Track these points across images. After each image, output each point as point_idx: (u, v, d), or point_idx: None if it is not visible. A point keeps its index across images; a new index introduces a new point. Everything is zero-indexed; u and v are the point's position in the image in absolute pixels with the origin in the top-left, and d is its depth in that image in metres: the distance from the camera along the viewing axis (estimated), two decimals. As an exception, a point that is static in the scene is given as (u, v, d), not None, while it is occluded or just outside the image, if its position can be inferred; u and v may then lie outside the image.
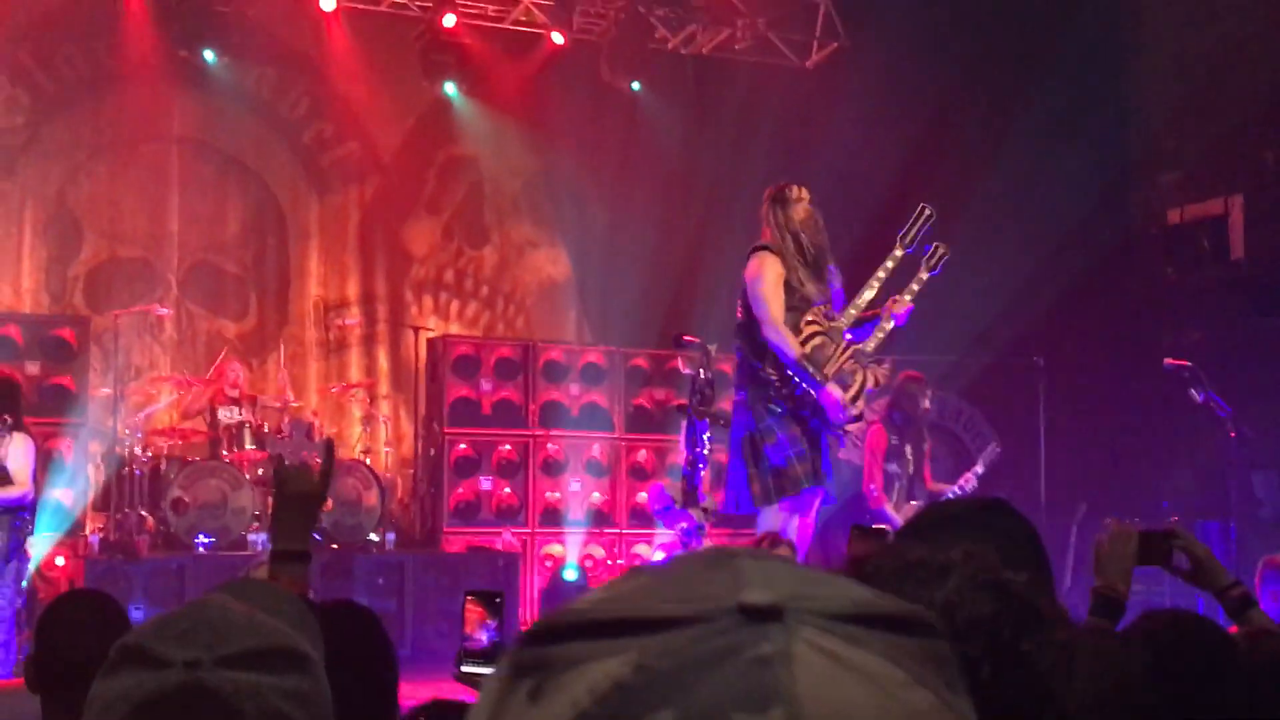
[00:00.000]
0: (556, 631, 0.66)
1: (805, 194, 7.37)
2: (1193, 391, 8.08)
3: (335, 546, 9.77)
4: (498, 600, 2.64)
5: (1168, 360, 7.48)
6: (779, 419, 7.03)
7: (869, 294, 7.39)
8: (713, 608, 0.64)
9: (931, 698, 0.65)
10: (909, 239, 7.57)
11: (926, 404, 9.14)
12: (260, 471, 10.10)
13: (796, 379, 6.96)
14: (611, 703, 0.62)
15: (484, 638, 2.61)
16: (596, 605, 0.67)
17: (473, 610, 2.61)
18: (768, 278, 7.06)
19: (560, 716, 0.63)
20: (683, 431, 7.39)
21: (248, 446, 10.04)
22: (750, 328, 7.15)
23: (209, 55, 11.43)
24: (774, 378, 7.01)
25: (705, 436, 7.48)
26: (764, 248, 7.20)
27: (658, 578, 0.68)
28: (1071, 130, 11.42)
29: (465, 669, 2.62)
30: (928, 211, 7.55)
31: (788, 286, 7.07)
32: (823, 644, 0.63)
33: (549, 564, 10.61)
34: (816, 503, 7.20)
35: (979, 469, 9.56)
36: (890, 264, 7.47)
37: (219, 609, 1.32)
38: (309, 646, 1.33)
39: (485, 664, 2.61)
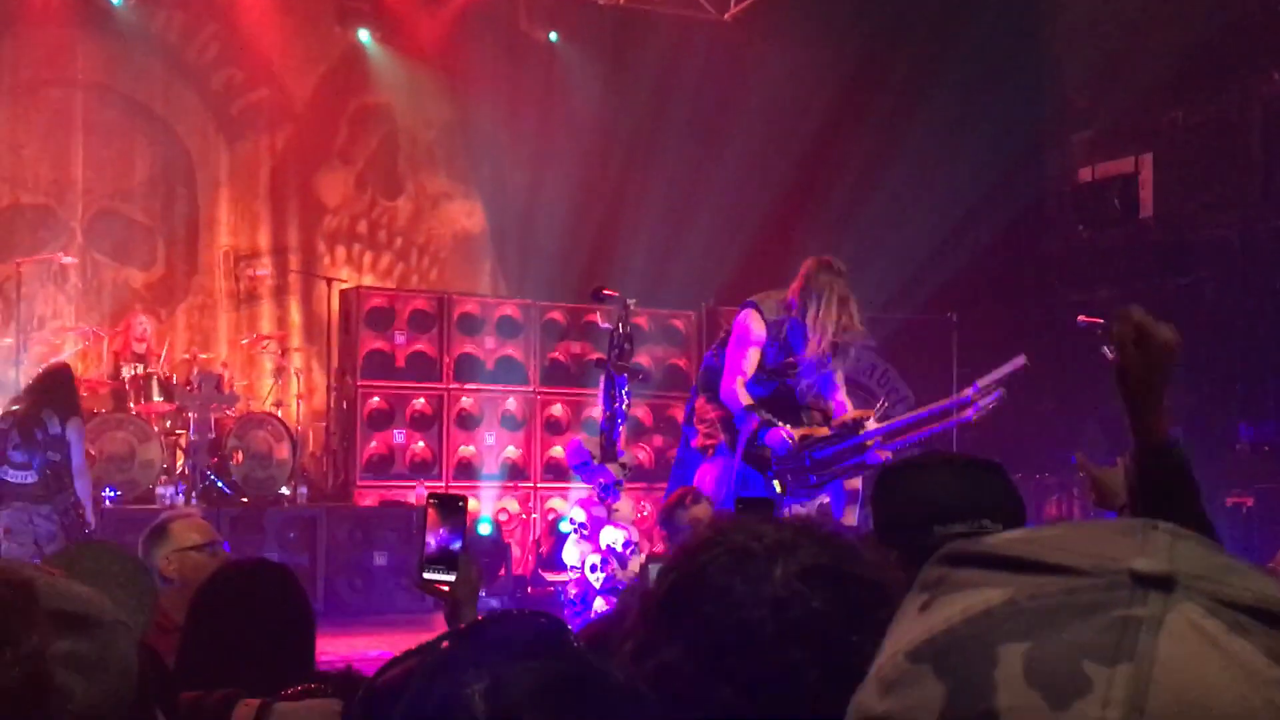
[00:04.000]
0: (963, 557, 0.71)
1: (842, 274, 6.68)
2: (1105, 349, 8.15)
3: (246, 500, 9.65)
4: (460, 504, 2.60)
5: (1081, 317, 7.54)
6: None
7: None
8: (1105, 565, 0.66)
9: None
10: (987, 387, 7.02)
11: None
12: (168, 424, 9.94)
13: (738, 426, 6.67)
14: (977, 624, 0.67)
15: (433, 542, 2.58)
16: (1006, 542, 0.71)
17: (431, 515, 2.58)
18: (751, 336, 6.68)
19: (933, 627, 0.68)
20: (601, 386, 7.34)
21: (155, 399, 9.86)
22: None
23: (114, -2, 11.15)
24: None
25: (624, 391, 7.45)
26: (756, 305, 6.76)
27: (1074, 530, 0.71)
28: (988, 90, 11.49)
29: (426, 575, 2.59)
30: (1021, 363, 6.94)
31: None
32: (1203, 623, 0.63)
33: (463, 518, 10.55)
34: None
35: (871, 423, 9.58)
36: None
37: None
38: (107, 609, 1.28)
39: (444, 570, 2.58)
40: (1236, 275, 10.77)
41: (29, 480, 7.71)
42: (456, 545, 2.59)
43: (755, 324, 6.65)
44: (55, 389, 8.00)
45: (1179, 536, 0.68)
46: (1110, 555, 0.66)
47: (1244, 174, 10.89)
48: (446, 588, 2.58)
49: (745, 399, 6.57)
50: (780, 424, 6.49)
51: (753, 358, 6.62)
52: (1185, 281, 10.98)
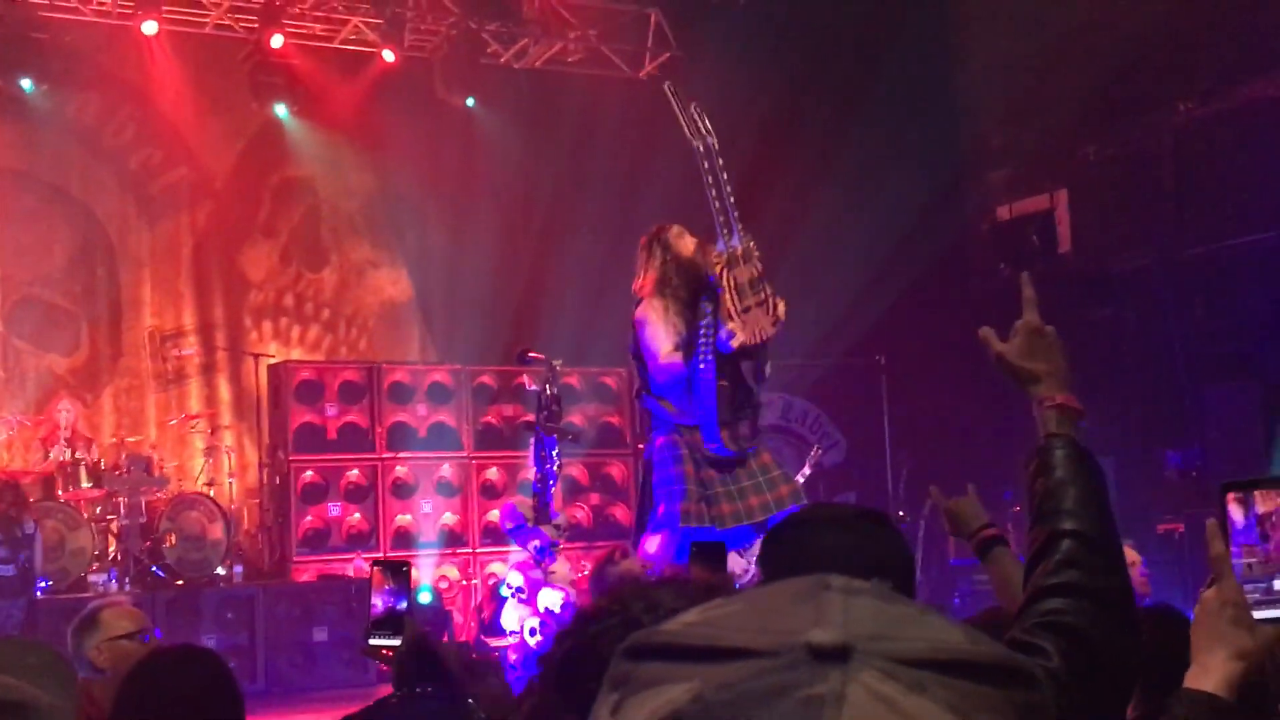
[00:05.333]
0: (644, 650, 0.69)
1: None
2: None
3: (181, 583, 9.52)
4: (404, 569, 2.61)
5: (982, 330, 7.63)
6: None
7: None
8: (785, 642, 0.65)
9: None
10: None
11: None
12: (98, 510, 9.80)
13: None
14: None
15: (379, 604, 2.57)
16: (685, 629, 0.69)
17: (376, 578, 2.58)
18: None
19: None
20: (531, 448, 7.33)
21: (84, 485, 9.73)
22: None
23: (26, 84, 11.07)
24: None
25: (554, 453, 7.44)
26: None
27: (749, 605, 0.70)
28: (904, 134, 11.66)
29: (371, 641, 2.59)
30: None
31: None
32: (880, 689, 0.63)
33: (403, 588, 10.45)
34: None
35: (806, 470, 9.65)
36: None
37: None
38: (42, 697, 1.29)
39: (389, 635, 2.58)
40: (1156, 304, 10.95)
41: (9, 574, 8.41)
42: (402, 606, 2.60)
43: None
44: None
45: (852, 593, 0.68)
46: (788, 629, 0.66)
47: (1158, 205, 11.10)
48: (391, 652, 2.59)
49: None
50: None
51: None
52: (1106, 313, 11.15)
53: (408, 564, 2.66)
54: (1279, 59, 10.29)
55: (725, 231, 6.64)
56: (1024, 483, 2.05)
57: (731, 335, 6.44)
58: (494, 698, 2.46)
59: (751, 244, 6.63)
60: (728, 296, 6.48)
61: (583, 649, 1.23)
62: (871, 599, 0.68)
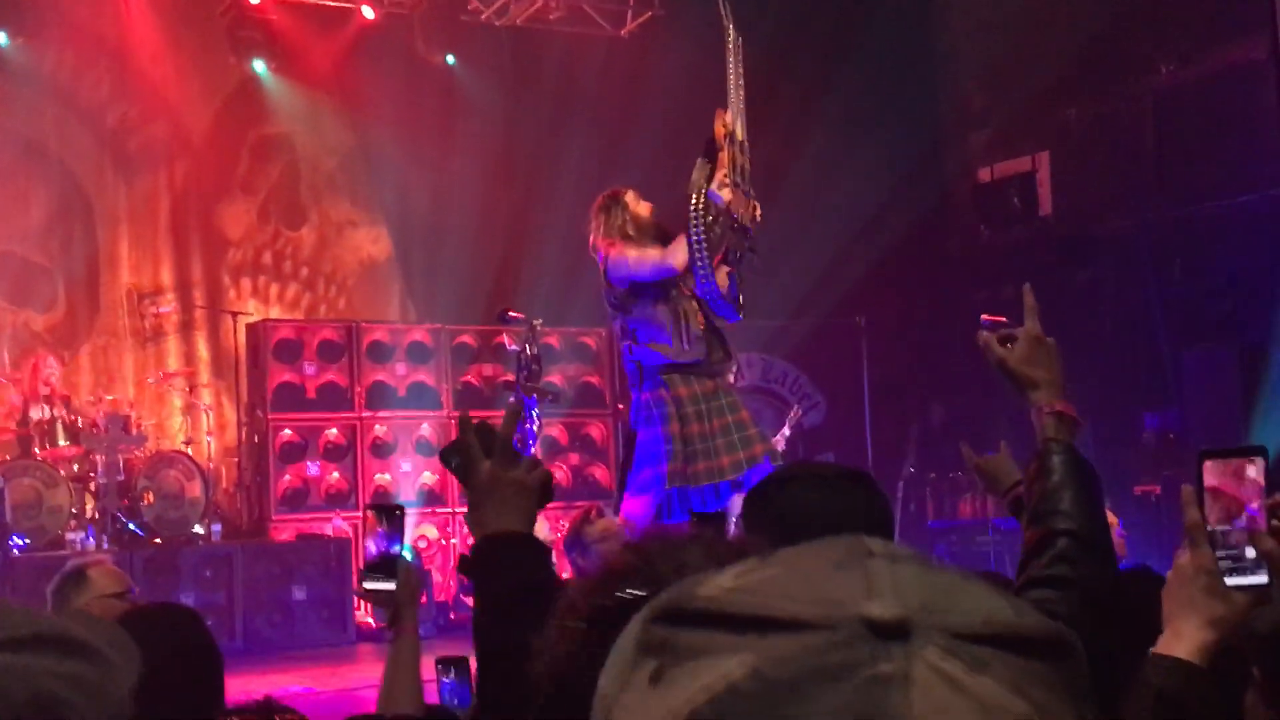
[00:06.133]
0: (685, 616, 0.67)
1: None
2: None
3: (159, 541, 9.51)
4: (398, 513, 2.63)
5: (984, 316, 7.64)
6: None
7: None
8: (838, 614, 0.64)
9: None
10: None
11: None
12: (76, 468, 9.77)
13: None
14: (724, 705, 0.63)
15: (373, 547, 2.61)
16: (727, 595, 0.67)
17: (370, 521, 2.61)
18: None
19: (676, 712, 0.64)
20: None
21: (61, 443, 9.70)
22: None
23: (1, 38, 10.97)
24: None
25: (534, 413, 7.44)
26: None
27: (789, 570, 0.68)
28: (885, 95, 11.63)
29: (366, 585, 2.61)
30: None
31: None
32: (945, 668, 0.63)
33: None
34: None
35: (785, 431, 9.67)
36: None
37: None
38: (103, 646, 1.29)
39: (383, 579, 2.61)
40: (1135, 267, 10.97)
41: None
42: (396, 548, 2.63)
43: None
44: None
45: (896, 560, 0.67)
46: (836, 599, 0.65)
47: (1139, 167, 11.10)
48: (387, 594, 2.63)
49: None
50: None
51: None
52: (1086, 276, 11.17)
53: (401, 508, 2.68)
54: (1254, 23, 10.28)
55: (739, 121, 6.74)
56: (1025, 482, 2.15)
57: (720, 197, 6.43)
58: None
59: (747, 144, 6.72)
60: (726, 157, 6.51)
61: (609, 611, 1.17)
62: (916, 566, 0.67)
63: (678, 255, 6.42)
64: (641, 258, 6.55)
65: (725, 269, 6.67)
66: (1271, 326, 9.60)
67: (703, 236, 6.36)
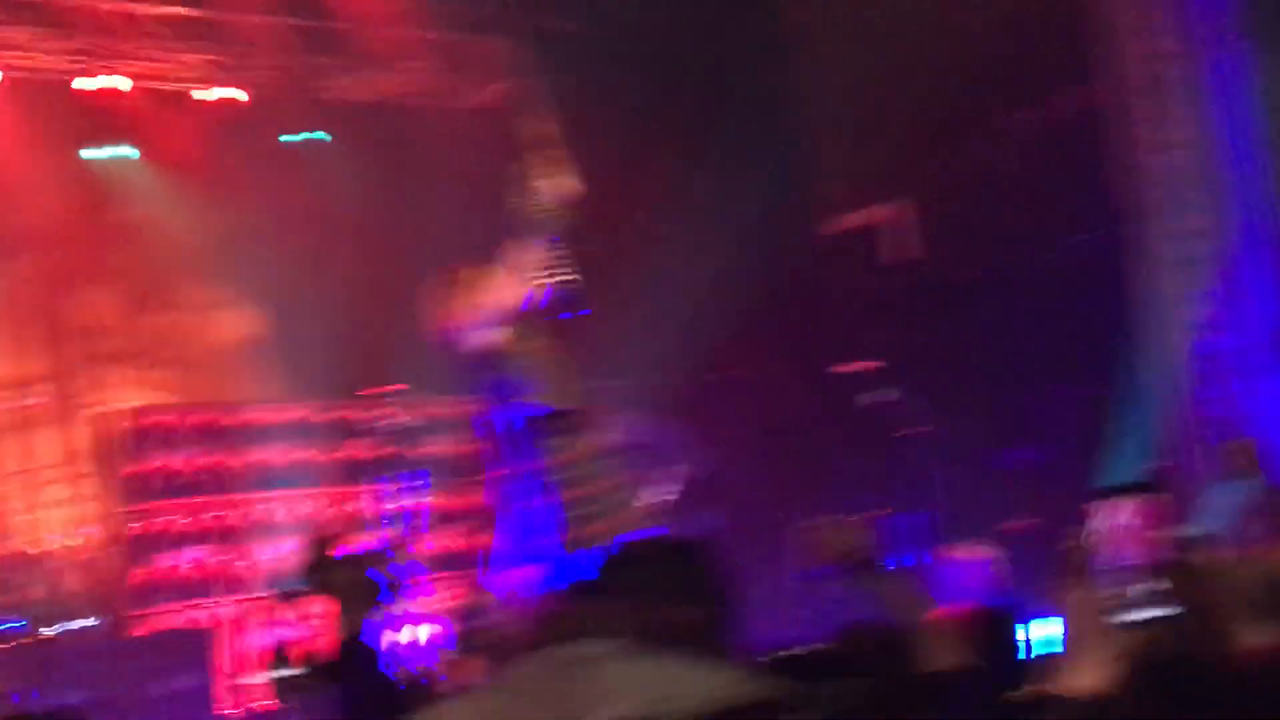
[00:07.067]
0: None
1: None
2: (877, 394, 8.40)
3: (29, 640, 9.26)
4: (299, 594, 2.62)
5: (835, 368, 7.77)
6: None
7: None
8: None
9: None
10: None
11: None
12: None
13: None
14: None
15: (278, 634, 2.61)
16: None
17: (275, 607, 2.62)
18: None
19: None
20: (389, 481, 7.29)
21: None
22: None
23: None
24: None
25: (417, 485, 7.41)
26: None
27: (515, 698, 0.67)
28: (750, 155, 11.82)
29: (275, 674, 2.60)
30: None
31: None
32: None
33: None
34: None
35: (665, 489, 9.65)
36: None
37: None
38: None
39: (287, 665, 2.61)
40: (1001, 311, 11.23)
41: None
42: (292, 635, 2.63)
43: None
44: None
45: (627, 660, 0.69)
46: (564, 714, 0.67)
47: (1003, 213, 11.39)
48: (294, 680, 2.62)
49: None
50: None
51: None
52: (952, 322, 11.41)
53: (302, 589, 2.67)
54: (1095, 69, 10.68)
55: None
56: None
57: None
58: None
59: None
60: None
61: None
62: (649, 663, 0.70)
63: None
64: (480, 317, 6.56)
65: None
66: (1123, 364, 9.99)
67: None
